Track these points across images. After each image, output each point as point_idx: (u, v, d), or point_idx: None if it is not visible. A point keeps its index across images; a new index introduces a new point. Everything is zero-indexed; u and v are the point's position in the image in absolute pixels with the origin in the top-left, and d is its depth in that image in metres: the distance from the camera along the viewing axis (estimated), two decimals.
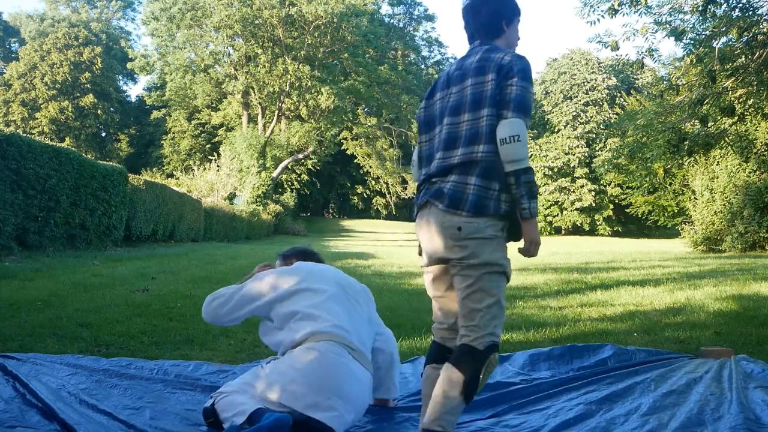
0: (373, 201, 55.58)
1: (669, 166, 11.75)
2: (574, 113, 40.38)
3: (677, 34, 7.51)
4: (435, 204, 2.17)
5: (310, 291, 2.63)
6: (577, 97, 40.75)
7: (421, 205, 2.26)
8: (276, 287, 2.66)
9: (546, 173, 39.72)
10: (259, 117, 38.10)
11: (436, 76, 48.75)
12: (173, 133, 48.19)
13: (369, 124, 42.81)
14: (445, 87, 2.32)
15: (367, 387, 2.54)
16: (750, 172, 16.88)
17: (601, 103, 40.91)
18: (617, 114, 34.69)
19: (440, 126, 2.29)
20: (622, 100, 35.47)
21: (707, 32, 7.70)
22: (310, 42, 33.61)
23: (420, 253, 2.36)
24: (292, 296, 2.62)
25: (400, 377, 3.30)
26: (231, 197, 29.21)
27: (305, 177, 47.26)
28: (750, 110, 8.85)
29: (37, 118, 42.73)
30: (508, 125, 2.08)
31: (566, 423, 2.62)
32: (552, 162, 39.55)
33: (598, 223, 40.42)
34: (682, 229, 20.37)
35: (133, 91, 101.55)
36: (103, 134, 49.16)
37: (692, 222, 19.26)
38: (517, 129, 2.06)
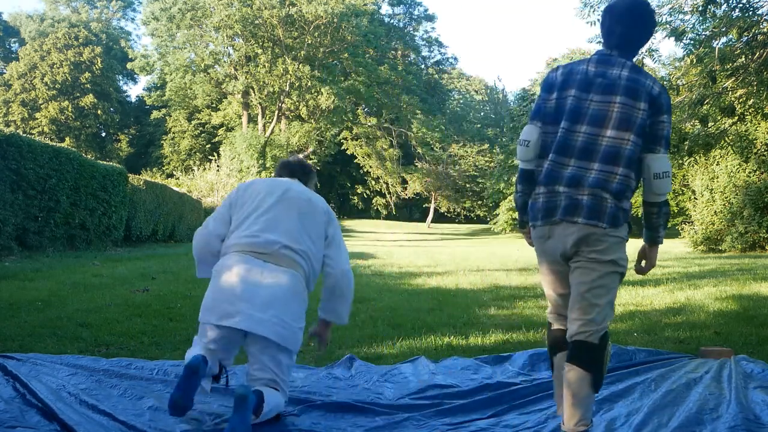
0: (373, 201, 55.55)
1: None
2: None
3: (677, 35, 7.52)
4: (572, 220, 2.23)
5: (239, 206, 2.78)
6: None
7: (551, 222, 2.28)
8: (218, 212, 2.86)
9: None
10: (259, 117, 38.10)
11: (436, 76, 48.24)
12: (173, 133, 48.17)
13: (369, 124, 42.82)
14: (584, 89, 2.30)
15: (286, 283, 2.58)
16: (750, 172, 16.86)
17: None
18: None
19: (572, 126, 2.29)
20: None
21: (707, 32, 7.70)
22: (310, 42, 33.60)
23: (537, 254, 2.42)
24: (228, 215, 2.80)
25: (400, 376, 3.31)
26: None
27: None
28: (750, 110, 8.84)
29: (37, 118, 42.71)
30: (663, 161, 2.25)
31: None
32: None
33: None
34: (682, 229, 20.34)
35: (133, 91, 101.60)
36: (103, 134, 49.14)
37: (692, 222, 19.24)
38: (668, 165, 2.26)
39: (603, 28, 2.41)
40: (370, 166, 46.63)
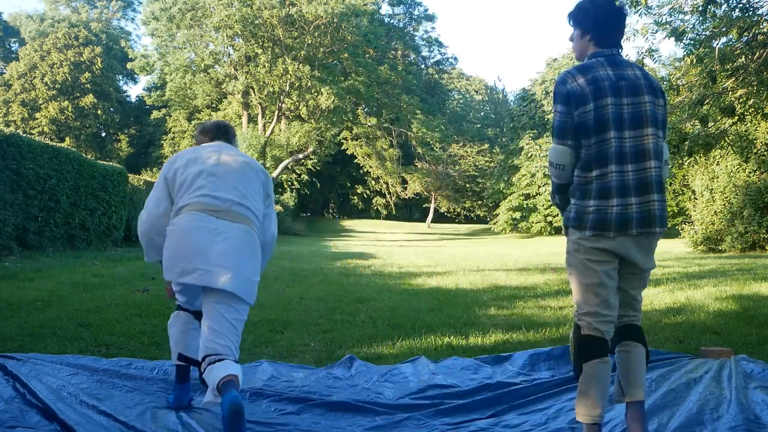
0: (373, 201, 55.53)
1: (670, 166, 11.75)
2: None
3: (677, 35, 7.50)
4: (649, 231, 2.34)
5: (180, 175, 2.76)
6: None
7: (626, 234, 2.33)
8: (155, 189, 2.84)
9: (546, 173, 39.72)
10: (259, 117, 38.07)
11: (436, 76, 48.06)
12: (173, 133, 48.14)
13: (369, 124, 42.79)
14: (617, 95, 2.32)
15: (240, 238, 2.63)
16: (750, 172, 16.86)
17: None
18: None
19: (620, 134, 2.32)
20: None
21: (707, 32, 7.69)
22: (310, 42, 33.59)
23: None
24: (166, 189, 2.80)
25: (400, 376, 3.31)
26: None
27: (305, 177, 47.25)
28: (750, 110, 8.83)
29: (37, 118, 42.68)
30: (667, 149, 2.47)
31: (566, 423, 2.62)
32: None
33: None
34: (682, 229, 20.34)
35: (133, 91, 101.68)
36: (103, 134, 49.11)
37: (692, 222, 19.24)
38: (668, 152, 2.48)
39: (609, 32, 2.42)
40: (370, 166, 46.60)
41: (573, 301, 2.48)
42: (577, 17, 2.47)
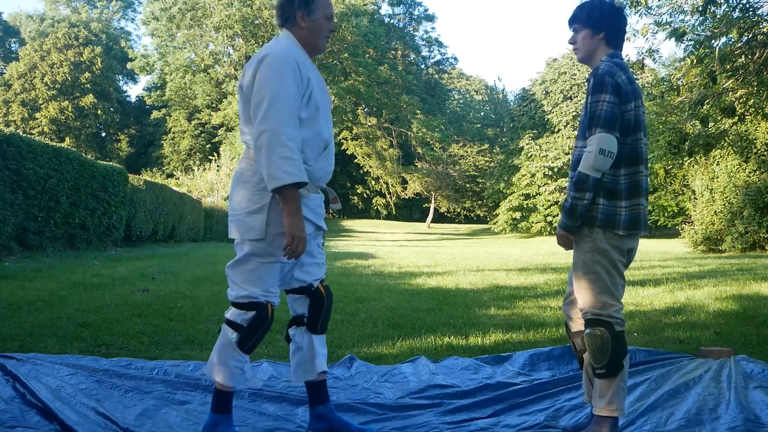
0: (373, 201, 55.55)
1: (670, 166, 11.74)
2: (574, 113, 40.32)
3: (677, 35, 7.49)
4: (642, 233, 2.49)
5: None
6: (577, 97, 40.68)
7: (638, 234, 2.45)
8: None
9: (546, 173, 39.65)
10: None
11: (436, 76, 48.12)
12: (173, 133, 48.15)
13: (369, 124, 42.82)
14: (640, 97, 2.41)
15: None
16: (750, 172, 16.87)
17: None
18: None
19: (643, 137, 2.42)
20: None
21: (707, 33, 7.68)
22: None
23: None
24: None
25: (400, 376, 3.31)
26: None
27: None
28: (750, 110, 8.83)
29: (37, 118, 42.71)
30: None
31: (566, 423, 2.62)
32: (552, 162, 39.47)
33: None
34: (682, 229, 20.35)
35: (133, 91, 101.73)
36: (103, 134, 49.15)
37: (692, 222, 19.25)
38: None
39: (621, 32, 2.49)
40: (370, 166, 46.64)
41: (593, 303, 2.38)
42: (590, 16, 2.43)
